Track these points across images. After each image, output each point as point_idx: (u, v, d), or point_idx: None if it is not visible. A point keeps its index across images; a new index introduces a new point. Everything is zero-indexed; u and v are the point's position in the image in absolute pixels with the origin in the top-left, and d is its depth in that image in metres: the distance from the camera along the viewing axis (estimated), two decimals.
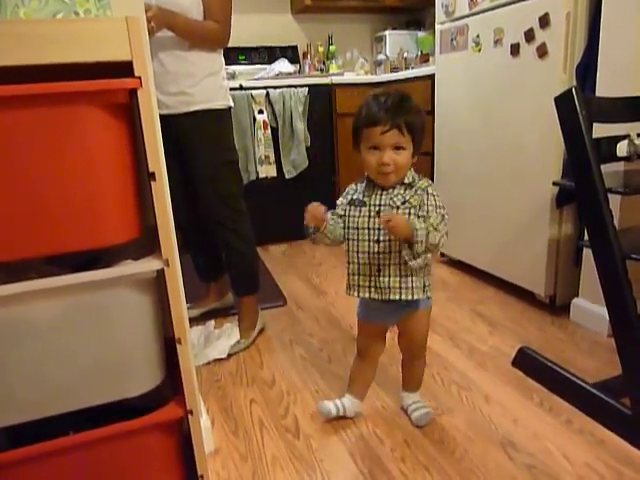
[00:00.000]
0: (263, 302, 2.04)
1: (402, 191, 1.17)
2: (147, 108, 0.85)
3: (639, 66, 1.54)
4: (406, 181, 1.17)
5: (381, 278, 1.19)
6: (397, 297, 1.19)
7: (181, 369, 0.98)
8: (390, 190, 1.17)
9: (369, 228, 1.17)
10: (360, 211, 1.18)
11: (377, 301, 1.22)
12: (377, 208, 1.17)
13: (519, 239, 2.04)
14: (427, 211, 1.14)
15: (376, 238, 1.17)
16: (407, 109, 1.12)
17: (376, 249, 1.17)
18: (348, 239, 1.21)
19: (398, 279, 1.18)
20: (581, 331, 1.80)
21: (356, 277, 1.22)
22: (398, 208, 1.15)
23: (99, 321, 0.91)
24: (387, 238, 1.16)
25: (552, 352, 1.63)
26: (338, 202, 1.24)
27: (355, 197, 1.20)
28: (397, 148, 1.12)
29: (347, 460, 1.23)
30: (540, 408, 1.39)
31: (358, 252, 1.20)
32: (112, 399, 0.96)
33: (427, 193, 1.16)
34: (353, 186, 1.24)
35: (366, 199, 1.19)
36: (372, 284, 1.20)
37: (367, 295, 1.21)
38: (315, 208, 1.16)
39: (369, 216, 1.17)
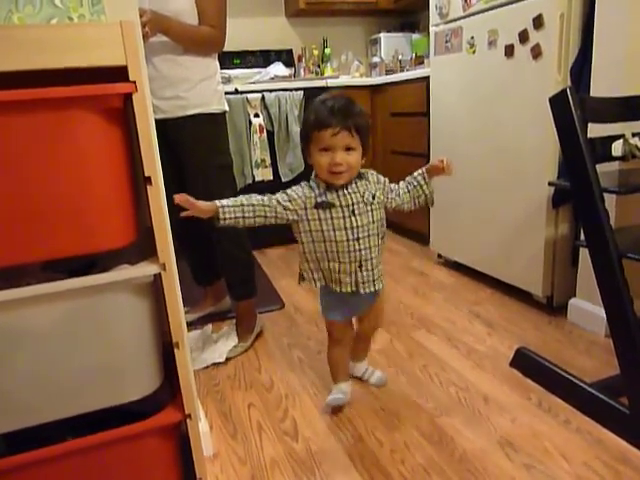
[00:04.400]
0: (261, 305, 2.04)
1: (365, 186, 1.23)
2: (142, 112, 0.85)
3: (633, 66, 1.55)
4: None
5: (363, 273, 1.25)
6: (375, 288, 1.28)
7: (179, 373, 0.98)
8: (353, 187, 1.22)
9: (346, 228, 1.21)
10: (331, 212, 1.21)
11: (354, 295, 1.27)
12: (352, 208, 1.21)
13: (516, 240, 2.05)
14: (394, 189, 1.30)
15: (355, 236, 1.22)
16: (354, 112, 1.18)
17: (357, 247, 1.22)
18: (324, 241, 1.23)
19: (376, 270, 1.27)
20: (578, 331, 1.81)
21: (337, 275, 1.25)
22: (372, 204, 1.22)
23: (96, 326, 0.91)
24: (366, 234, 1.23)
25: (550, 352, 1.63)
26: (283, 200, 1.20)
27: (320, 200, 1.21)
28: (348, 149, 1.17)
29: (346, 463, 1.23)
30: (538, 408, 1.39)
31: (338, 252, 1.23)
32: (110, 404, 0.96)
33: (384, 183, 1.28)
34: (305, 191, 1.22)
35: (333, 200, 1.21)
36: (354, 279, 1.26)
37: (349, 290, 1.26)
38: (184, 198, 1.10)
39: (344, 216, 1.21)
